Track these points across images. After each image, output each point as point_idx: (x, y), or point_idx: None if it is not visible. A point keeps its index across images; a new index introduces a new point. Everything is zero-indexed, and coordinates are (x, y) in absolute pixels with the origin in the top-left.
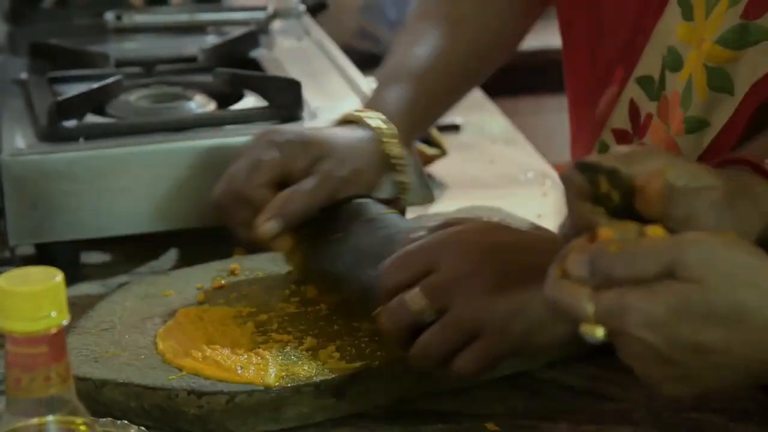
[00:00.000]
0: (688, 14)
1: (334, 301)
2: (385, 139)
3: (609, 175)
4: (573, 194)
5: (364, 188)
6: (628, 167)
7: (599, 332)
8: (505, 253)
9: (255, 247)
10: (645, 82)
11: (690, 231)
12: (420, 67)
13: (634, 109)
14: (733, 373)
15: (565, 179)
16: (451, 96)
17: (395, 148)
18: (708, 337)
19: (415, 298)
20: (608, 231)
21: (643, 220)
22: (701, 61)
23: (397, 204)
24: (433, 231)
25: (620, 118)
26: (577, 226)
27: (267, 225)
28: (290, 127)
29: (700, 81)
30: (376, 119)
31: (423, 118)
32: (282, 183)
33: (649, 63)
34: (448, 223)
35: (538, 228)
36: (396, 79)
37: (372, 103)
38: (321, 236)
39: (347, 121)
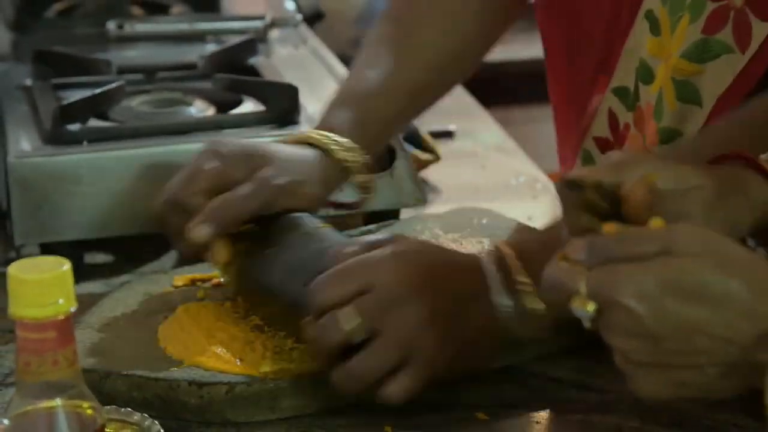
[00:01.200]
0: (655, 29)
1: (265, 314)
2: (332, 147)
3: (594, 188)
4: (567, 206)
5: (304, 202)
6: (616, 176)
7: (590, 306)
8: (437, 277)
9: (192, 255)
10: (621, 93)
11: None
12: (369, 89)
13: (613, 119)
14: (710, 364)
15: (558, 193)
16: (402, 116)
17: (344, 153)
18: (693, 313)
19: (348, 316)
20: (612, 225)
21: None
22: (669, 74)
23: (358, 206)
24: (367, 248)
25: (600, 127)
26: (572, 236)
27: (198, 229)
28: (234, 139)
29: (669, 93)
30: (322, 137)
31: (370, 139)
32: (220, 192)
33: (624, 75)
34: (382, 242)
35: (460, 251)
36: (345, 102)
37: (321, 125)
38: (255, 249)
39: (294, 141)
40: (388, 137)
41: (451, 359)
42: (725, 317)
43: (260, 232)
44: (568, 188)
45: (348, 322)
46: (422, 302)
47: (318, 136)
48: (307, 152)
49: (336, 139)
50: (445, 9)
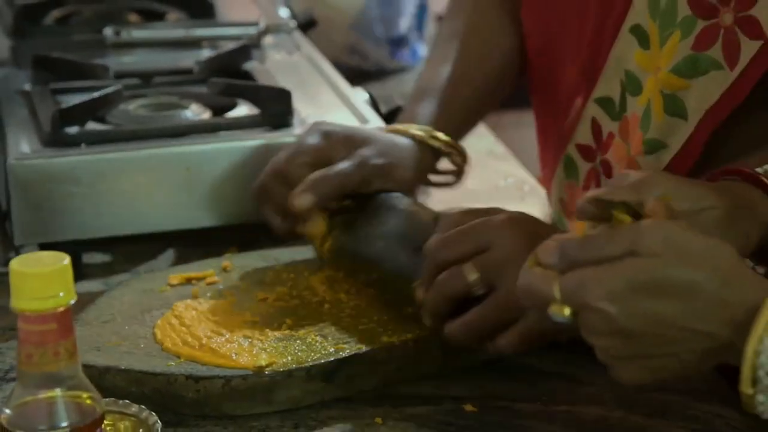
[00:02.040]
0: (644, 43)
1: (365, 282)
2: (421, 138)
3: (620, 206)
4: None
5: (397, 184)
6: (637, 196)
7: (566, 311)
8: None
9: (287, 232)
10: (605, 103)
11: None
12: (447, 80)
13: (596, 127)
14: (686, 351)
15: (580, 211)
16: (483, 102)
17: (433, 140)
18: (662, 308)
19: (470, 270)
20: (582, 224)
21: None
22: (658, 87)
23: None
24: (480, 214)
25: (584, 134)
26: None
27: (300, 198)
28: (338, 122)
29: (657, 106)
30: (414, 128)
31: (456, 126)
32: (322, 167)
33: (608, 85)
34: (493, 210)
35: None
36: (425, 95)
37: (406, 118)
38: (353, 222)
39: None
40: (472, 123)
41: None
42: (695, 309)
43: (356, 207)
44: (594, 204)
45: (471, 274)
46: None
47: (405, 128)
48: (403, 139)
49: (424, 129)
50: (502, 12)
